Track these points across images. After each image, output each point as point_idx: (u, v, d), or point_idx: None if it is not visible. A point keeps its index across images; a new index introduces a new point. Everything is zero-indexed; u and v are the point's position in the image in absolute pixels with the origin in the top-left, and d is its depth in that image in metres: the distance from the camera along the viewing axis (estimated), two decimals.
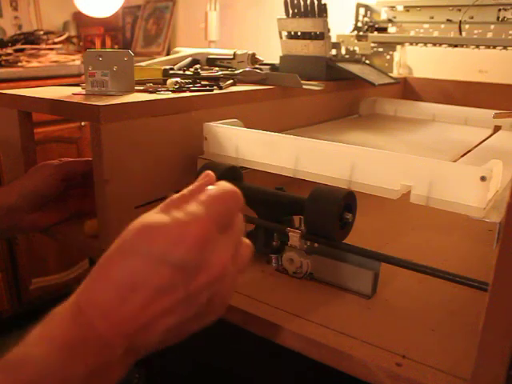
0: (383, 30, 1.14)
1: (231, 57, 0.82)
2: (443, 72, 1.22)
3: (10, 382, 0.26)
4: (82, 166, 0.58)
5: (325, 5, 0.81)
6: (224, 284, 0.31)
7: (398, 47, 1.20)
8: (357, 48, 1.06)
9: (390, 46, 1.18)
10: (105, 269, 0.30)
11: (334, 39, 0.99)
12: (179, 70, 0.73)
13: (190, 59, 0.84)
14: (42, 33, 1.72)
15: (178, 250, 0.29)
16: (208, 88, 0.63)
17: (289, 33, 0.86)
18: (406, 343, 0.38)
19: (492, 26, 0.99)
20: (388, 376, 0.35)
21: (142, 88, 0.60)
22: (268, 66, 0.86)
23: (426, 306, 0.43)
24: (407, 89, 1.18)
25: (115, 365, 0.30)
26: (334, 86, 0.86)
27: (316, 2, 0.81)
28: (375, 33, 1.13)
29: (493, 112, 0.76)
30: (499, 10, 0.98)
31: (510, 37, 0.97)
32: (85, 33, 2.13)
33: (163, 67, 0.69)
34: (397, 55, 1.21)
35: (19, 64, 1.56)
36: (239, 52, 0.81)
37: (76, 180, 0.59)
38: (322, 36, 0.82)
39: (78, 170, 0.58)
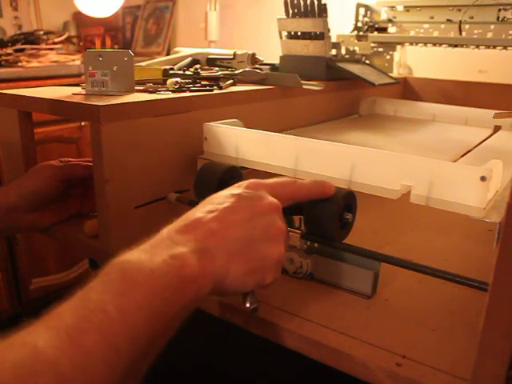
0: (383, 29, 1.14)
1: (231, 57, 0.82)
2: (443, 72, 1.22)
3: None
4: (82, 170, 0.58)
5: (325, 5, 0.81)
6: (275, 220, 0.38)
7: (398, 47, 1.20)
8: (357, 48, 1.06)
9: (390, 45, 1.18)
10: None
11: (334, 39, 0.99)
12: (179, 69, 0.73)
13: (189, 59, 0.84)
14: (41, 33, 1.72)
15: (241, 186, 0.40)
16: (208, 88, 0.63)
17: (289, 33, 0.86)
18: (406, 343, 0.38)
19: (492, 26, 0.99)
20: (388, 376, 0.35)
21: (142, 88, 0.60)
22: (268, 66, 0.86)
23: (426, 306, 0.43)
24: (407, 89, 1.18)
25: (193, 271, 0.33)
26: (334, 86, 0.86)
27: (316, 2, 0.81)
28: (375, 33, 1.13)
29: (493, 112, 0.76)
30: (499, 10, 0.98)
31: (510, 37, 0.97)
32: (85, 33, 2.13)
33: (163, 67, 0.69)
34: (397, 55, 1.21)
35: (19, 64, 1.56)
36: (239, 52, 0.81)
37: (76, 181, 0.59)
38: (322, 36, 0.82)
39: (78, 173, 0.58)
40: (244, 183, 0.40)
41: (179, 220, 0.37)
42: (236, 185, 0.40)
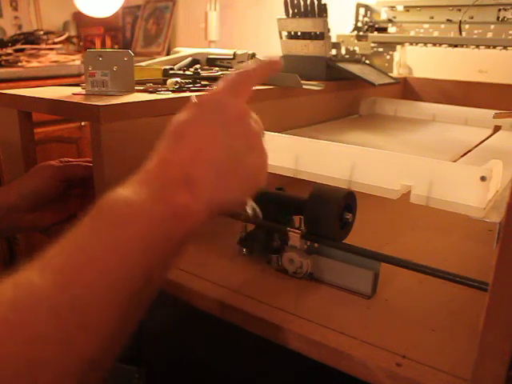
0: (383, 29, 1.14)
1: (231, 57, 0.81)
2: (443, 72, 1.22)
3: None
4: (82, 170, 0.58)
5: (325, 5, 0.81)
6: (250, 125, 0.37)
7: (398, 47, 1.20)
8: (357, 48, 1.06)
9: (390, 45, 1.18)
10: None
11: (334, 39, 0.99)
12: (179, 69, 0.73)
13: (189, 59, 0.84)
14: (42, 33, 1.72)
15: (201, 102, 0.36)
16: (208, 88, 0.63)
17: (289, 33, 0.86)
18: (406, 343, 0.38)
19: (492, 26, 0.99)
20: (388, 376, 0.35)
21: (142, 88, 0.60)
22: None
23: (426, 306, 0.43)
24: (407, 89, 1.18)
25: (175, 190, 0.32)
26: (334, 86, 0.86)
27: (316, 2, 0.81)
28: (375, 33, 1.13)
29: (493, 112, 0.76)
30: (499, 10, 0.98)
31: (510, 37, 0.97)
32: (85, 33, 2.13)
33: (163, 67, 0.69)
34: (397, 55, 1.21)
35: (19, 64, 1.56)
36: (239, 52, 0.81)
37: (76, 181, 0.59)
38: (322, 36, 0.82)
39: (78, 173, 0.58)
40: (201, 98, 0.37)
41: (155, 158, 0.35)
42: (193, 103, 0.37)
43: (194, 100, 0.37)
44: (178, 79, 0.63)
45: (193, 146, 0.34)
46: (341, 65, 0.85)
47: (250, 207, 0.38)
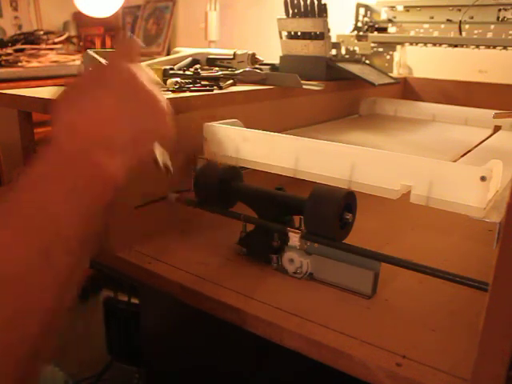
0: (383, 29, 1.14)
1: (231, 57, 0.81)
2: (443, 72, 1.22)
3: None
4: None
5: (325, 5, 0.81)
6: (155, 93, 0.37)
7: (398, 47, 1.20)
8: (357, 48, 1.06)
9: (390, 45, 1.18)
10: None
11: (334, 39, 0.99)
12: (179, 69, 0.73)
13: (190, 59, 0.84)
14: (42, 33, 1.72)
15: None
16: (208, 88, 0.63)
17: (289, 33, 0.86)
18: (406, 343, 0.38)
19: (492, 26, 0.99)
20: (388, 376, 0.35)
21: None
22: (268, 66, 0.86)
23: (426, 306, 0.43)
24: (407, 89, 1.18)
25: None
26: (334, 86, 0.86)
27: (316, 2, 0.81)
28: (375, 33, 1.13)
29: (493, 112, 0.76)
30: (499, 10, 0.98)
31: (510, 37, 0.97)
32: (85, 33, 2.13)
33: (163, 67, 0.69)
34: (397, 55, 1.21)
35: (19, 64, 1.56)
36: (239, 52, 0.81)
37: None
38: (322, 36, 0.82)
39: None
40: (87, 73, 0.41)
41: (61, 127, 0.35)
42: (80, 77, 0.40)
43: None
44: (178, 79, 0.63)
45: (92, 108, 0.35)
46: (341, 65, 0.85)
47: (161, 160, 0.40)
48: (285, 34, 0.87)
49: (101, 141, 0.34)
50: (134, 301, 1.15)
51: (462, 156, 0.66)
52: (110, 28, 2.17)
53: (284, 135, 0.53)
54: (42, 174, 0.32)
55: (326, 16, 0.82)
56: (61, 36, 1.81)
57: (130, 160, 0.35)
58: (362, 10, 1.14)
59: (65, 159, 0.32)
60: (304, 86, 0.72)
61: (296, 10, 0.83)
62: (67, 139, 0.33)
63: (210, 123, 0.57)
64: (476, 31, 1.02)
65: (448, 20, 1.05)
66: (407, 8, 1.11)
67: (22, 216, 0.29)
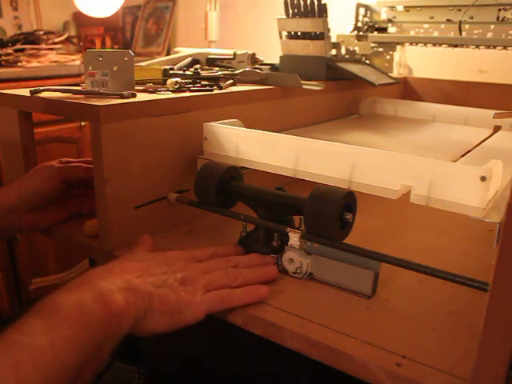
0: (383, 29, 1.14)
1: (231, 57, 0.81)
2: (443, 72, 1.22)
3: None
4: (82, 172, 0.58)
5: (325, 5, 0.81)
6: (194, 277, 0.43)
7: (398, 47, 1.20)
8: (357, 48, 1.06)
9: (390, 46, 1.18)
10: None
11: (334, 39, 0.99)
12: (179, 70, 0.73)
13: (189, 59, 0.84)
14: (41, 33, 1.72)
15: (159, 254, 0.46)
16: (208, 88, 0.63)
17: (289, 33, 0.86)
18: (406, 343, 0.38)
19: (492, 26, 0.99)
20: (388, 376, 0.35)
21: (141, 88, 0.60)
22: (268, 66, 0.86)
23: (426, 306, 0.43)
24: (407, 89, 1.18)
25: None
26: (334, 86, 0.86)
27: (316, 2, 0.81)
28: (375, 33, 1.13)
29: (493, 112, 0.76)
30: (499, 9, 0.98)
31: (509, 37, 0.97)
32: (85, 33, 2.13)
33: (163, 67, 0.69)
34: (397, 55, 1.21)
35: (19, 64, 1.56)
36: (239, 52, 0.81)
37: (76, 182, 0.59)
38: (322, 36, 0.82)
39: (79, 175, 0.58)
40: (170, 252, 0.47)
41: (115, 261, 0.43)
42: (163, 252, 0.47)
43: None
44: (178, 79, 0.63)
45: (143, 271, 0.41)
46: (341, 65, 0.85)
47: None
48: (285, 33, 0.87)
49: (132, 290, 0.38)
50: None
51: (462, 156, 0.66)
52: (109, 28, 2.17)
53: (284, 135, 0.53)
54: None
55: (326, 16, 0.82)
56: (61, 36, 1.81)
57: (140, 320, 0.39)
58: (361, 10, 1.14)
59: (89, 300, 0.36)
60: (304, 86, 0.72)
61: (296, 10, 0.83)
62: (103, 277, 0.39)
63: (209, 123, 0.57)
64: (476, 31, 1.02)
65: (448, 20, 1.05)
66: (407, 8, 1.11)
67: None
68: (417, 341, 0.38)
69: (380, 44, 1.16)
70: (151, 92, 0.59)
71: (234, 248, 0.50)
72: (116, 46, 2.18)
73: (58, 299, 0.36)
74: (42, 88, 0.55)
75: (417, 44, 1.11)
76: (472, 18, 1.01)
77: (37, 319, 0.34)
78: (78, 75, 1.60)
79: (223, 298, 0.42)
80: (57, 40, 1.77)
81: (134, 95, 0.54)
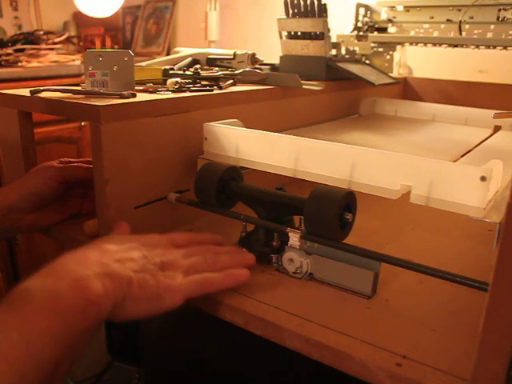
0: (383, 29, 1.14)
1: (231, 57, 0.81)
2: (443, 72, 1.22)
3: None
4: (82, 172, 0.58)
5: (325, 5, 0.81)
6: (174, 262, 0.42)
7: (398, 47, 1.20)
8: (357, 48, 1.06)
9: (390, 46, 1.18)
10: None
11: (334, 39, 0.99)
12: (179, 70, 0.73)
13: (190, 59, 0.84)
14: (42, 33, 1.72)
15: (137, 237, 0.45)
16: (208, 88, 0.63)
17: (289, 33, 0.86)
18: (406, 343, 0.38)
19: (492, 26, 0.99)
20: (388, 376, 0.35)
21: (141, 88, 0.60)
22: (268, 66, 0.86)
23: (426, 306, 0.43)
24: (407, 89, 1.18)
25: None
26: (334, 86, 0.86)
27: (316, 2, 0.81)
28: (375, 33, 1.13)
29: (493, 112, 0.76)
30: (499, 9, 0.98)
31: (509, 37, 0.97)
32: (85, 33, 2.13)
33: (163, 67, 0.69)
34: (397, 55, 1.21)
35: (19, 64, 1.56)
36: (239, 52, 0.81)
37: (76, 182, 0.59)
38: (322, 36, 0.82)
39: (79, 175, 0.58)
40: (148, 235, 0.46)
41: (91, 245, 0.40)
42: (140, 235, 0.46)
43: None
44: (178, 79, 0.63)
45: (121, 254, 0.40)
46: (341, 65, 0.85)
47: None
48: (285, 33, 0.87)
49: (111, 275, 0.37)
50: None
51: (462, 156, 0.66)
52: (109, 28, 2.17)
53: (284, 135, 0.53)
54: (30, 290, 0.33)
55: (326, 16, 0.82)
56: (61, 36, 1.81)
57: (119, 306, 0.37)
58: (361, 10, 1.14)
59: (62, 289, 0.34)
60: (304, 86, 0.72)
61: (296, 10, 0.83)
62: (78, 262, 0.37)
63: (209, 123, 0.57)
64: (476, 31, 1.01)
65: (448, 20, 1.05)
66: (407, 8, 1.11)
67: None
68: (417, 341, 0.38)
69: (380, 44, 1.16)
70: (151, 92, 0.59)
71: (212, 236, 0.50)
72: (116, 46, 2.18)
73: (30, 288, 0.33)
74: (42, 88, 0.55)
75: (417, 44, 1.10)
76: (472, 18, 1.01)
77: (8, 312, 0.32)
78: (78, 75, 1.60)
79: (203, 283, 0.41)
80: (57, 40, 1.77)
81: (134, 95, 0.54)
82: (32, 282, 0.34)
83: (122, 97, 0.53)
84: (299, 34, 0.85)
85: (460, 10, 1.02)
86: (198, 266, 0.43)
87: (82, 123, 1.57)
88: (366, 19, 1.15)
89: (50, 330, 0.31)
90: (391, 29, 1.14)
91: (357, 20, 1.14)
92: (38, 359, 0.30)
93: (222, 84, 0.66)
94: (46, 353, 0.31)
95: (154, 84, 0.63)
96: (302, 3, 0.82)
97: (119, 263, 0.38)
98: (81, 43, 2.12)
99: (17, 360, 0.29)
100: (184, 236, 0.48)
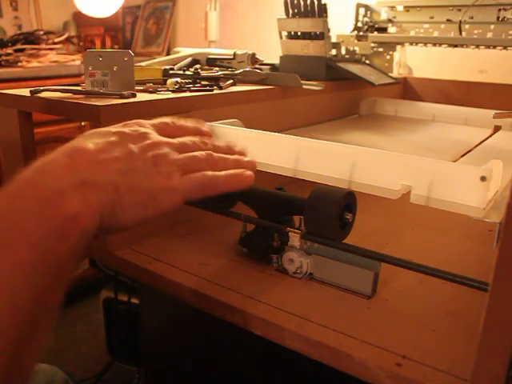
0: (383, 29, 1.14)
1: (231, 57, 0.82)
2: (443, 72, 1.22)
3: None
4: None
5: (325, 5, 0.81)
6: (169, 156, 0.36)
7: (398, 47, 1.20)
8: (357, 48, 1.06)
9: (390, 46, 1.18)
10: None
11: (334, 39, 0.99)
12: (179, 69, 0.73)
13: (190, 59, 0.84)
14: (42, 33, 1.72)
15: (126, 125, 0.38)
16: (208, 88, 0.63)
17: (289, 33, 0.86)
18: (406, 343, 0.38)
19: (492, 26, 0.99)
20: (388, 376, 0.35)
21: (141, 88, 0.60)
22: (268, 66, 0.86)
23: (426, 306, 0.43)
24: (407, 89, 1.18)
25: (72, 198, 0.30)
26: (334, 86, 0.86)
27: (316, 2, 0.81)
28: (375, 33, 1.13)
29: (493, 112, 0.76)
30: (499, 9, 0.98)
31: (509, 37, 0.97)
32: (85, 33, 2.13)
33: (163, 67, 0.69)
34: (397, 55, 1.21)
35: (19, 64, 1.56)
36: (239, 52, 0.81)
37: None
38: (322, 36, 0.82)
39: None
40: (128, 122, 0.39)
41: (60, 150, 0.33)
42: (120, 124, 0.39)
43: (123, 125, 0.38)
44: (178, 79, 0.63)
45: (101, 155, 0.33)
46: (341, 65, 0.85)
47: None
48: (285, 33, 0.87)
49: (89, 184, 0.31)
50: (134, 301, 1.15)
51: (462, 156, 0.66)
52: (109, 28, 2.17)
53: (284, 135, 0.53)
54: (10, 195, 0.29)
55: (326, 16, 0.82)
56: (61, 36, 1.81)
57: (110, 216, 0.32)
58: (361, 10, 1.14)
59: (36, 208, 0.29)
60: (304, 86, 0.72)
61: (296, 10, 0.83)
62: (52, 173, 0.31)
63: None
64: (476, 31, 1.02)
65: (448, 20, 1.05)
66: (407, 8, 1.11)
67: None
68: (417, 341, 0.38)
69: (380, 44, 1.16)
70: (151, 92, 0.59)
71: (207, 129, 0.44)
72: (116, 46, 2.18)
73: None
74: (42, 88, 0.55)
75: (417, 44, 1.11)
76: (472, 18, 1.01)
77: None
78: (78, 75, 1.60)
79: (204, 182, 0.37)
80: (57, 40, 1.77)
81: (134, 95, 0.54)
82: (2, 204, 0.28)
83: (122, 97, 0.53)
84: (299, 34, 0.85)
85: (460, 10, 1.02)
86: (197, 163, 0.37)
87: (82, 123, 1.57)
88: (365, 19, 1.15)
89: (23, 261, 0.26)
90: (391, 29, 1.14)
91: (357, 20, 1.15)
92: (12, 297, 0.25)
93: (222, 84, 0.66)
94: (21, 288, 0.26)
95: (154, 84, 0.63)
96: (301, 3, 0.82)
97: (100, 166, 0.32)
98: (81, 43, 2.12)
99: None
100: (174, 122, 0.40)
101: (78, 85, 0.60)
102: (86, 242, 0.30)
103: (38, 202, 0.29)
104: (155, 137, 0.37)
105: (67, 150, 0.33)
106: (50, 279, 0.28)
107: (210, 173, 0.37)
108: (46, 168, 0.31)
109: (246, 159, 0.42)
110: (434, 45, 1.07)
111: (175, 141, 0.38)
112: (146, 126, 0.38)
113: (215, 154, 0.39)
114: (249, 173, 0.39)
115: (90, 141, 0.34)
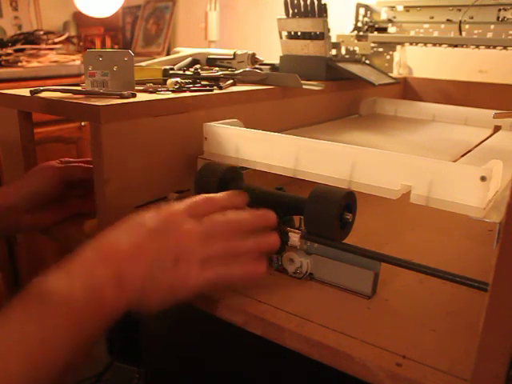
0: (383, 29, 1.14)
1: (231, 57, 0.82)
2: (443, 72, 1.22)
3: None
4: (82, 172, 0.58)
5: (325, 5, 0.81)
6: (190, 253, 0.40)
7: (398, 47, 1.20)
8: (357, 48, 1.06)
9: (390, 46, 1.18)
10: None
11: (334, 39, 0.99)
12: (179, 70, 0.73)
13: (190, 59, 0.84)
14: (42, 33, 1.72)
15: (151, 219, 0.41)
16: (208, 88, 0.63)
17: (289, 33, 0.86)
18: (406, 343, 0.38)
19: (492, 26, 0.99)
20: (388, 376, 0.35)
21: (141, 88, 0.60)
22: (268, 66, 0.86)
23: (426, 306, 0.43)
24: (407, 89, 1.18)
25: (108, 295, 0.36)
26: (334, 86, 0.86)
27: (316, 2, 0.81)
28: (375, 33, 1.13)
29: (493, 112, 0.76)
30: (499, 9, 0.98)
31: (509, 37, 0.97)
32: (85, 33, 2.13)
33: (163, 67, 0.69)
34: (397, 55, 1.21)
35: (19, 64, 1.56)
36: (239, 52, 0.81)
37: (76, 182, 0.59)
38: (322, 36, 0.82)
39: (79, 175, 0.58)
40: (161, 212, 0.42)
41: (98, 242, 0.39)
42: (154, 213, 0.42)
43: (155, 212, 0.41)
44: (178, 79, 0.63)
45: (133, 245, 0.38)
46: (341, 65, 0.85)
47: None
48: (285, 33, 0.87)
49: (125, 277, 0.37)
50: None
51: (462, 156, 0.66)
52: (109, 28, 2.17)
53: (284, 135, 0.53)
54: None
55: (326, 16, 0.82)
56: (61, 36, 1.81)
57: (137, 303, 0.38)
58: (361, 10, 1.14)
59: (80, 286, 0.35)
60: (304, 86, 0.72)
61: (296, 10, 0.83)
62: (95, 262, 0.37)
63: (209, 123, 0.57)
64: (476, 31, 1.02)
65: (448, 20, 1.05)
66: (407, 8, 1.11)
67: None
68: (417, 341, 0.38)
69: (380, 44, 1.16)
70: (151, 92, 0.59)
71: (235, 199, 0.46)
72: (116, 46, 2.18)
73: (47, 285, 0.34)
74: (42, 88, 0.55)
75: (417, 44, 1.10)
76: (472, 18, 1.01)
77: (25, 307, 0.33)
78: (78, 75, 1.60)
79: (219, 280, 0.41)
80: (57, 40, 1.77)
81: (134, 95, 0.54)
82: (49, 279, 0.35)
83: (121, 97, 0.53)
84: (299, 33, 0.85)
85: (460, 10, 1.02)
86: (217, 259, 0.41)
87: (82, 123, 1.57)
88: (366, 19, 1.15)
89: (64, 327, 0.32)
90: (391, 29, 1.14)
91: (357, 20, 1.15)
92: (51, 354, 0.31)
93: (222, 84, 0.66)
94: (60, 349, 0.31)
95: (154, 84, 0.63)
96: (301, 3, 0.82)
97: (130, 264, 0.38)
98: (81, 43, 2.12)
99: (31, 353, 0.30)
100: (205, 203, 0.43)
101: (78, 85, 0.60)
102: (111, 323, 0.36)
103: (84, 286, 0.35)
104: (181, 228, 0.40)
105: (106, 243, 0.39)
106: (79, 346, 0.33)
107: (223, 271, 0.41)
108: (93, 255, 0.38)
109: (270, 238, 0.44)
110: (434, 45, 1.07)
111: (201, 234, 0.41)
112: (178, 213, 0.41)
113: (237, 243, 0.42)
114: (261, 266, 0.43)
115: (125, 234, 0.40)
